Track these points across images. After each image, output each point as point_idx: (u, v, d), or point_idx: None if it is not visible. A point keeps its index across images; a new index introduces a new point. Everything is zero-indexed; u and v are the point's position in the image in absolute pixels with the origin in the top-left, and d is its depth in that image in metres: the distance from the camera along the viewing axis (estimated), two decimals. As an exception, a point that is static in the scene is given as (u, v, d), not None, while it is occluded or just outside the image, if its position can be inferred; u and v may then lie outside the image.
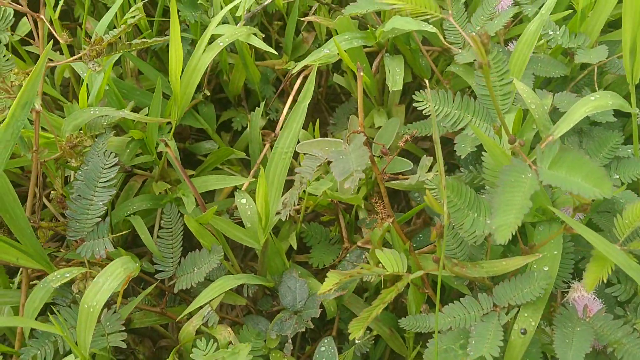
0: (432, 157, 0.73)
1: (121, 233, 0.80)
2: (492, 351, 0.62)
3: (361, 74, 0.68)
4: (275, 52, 0.84)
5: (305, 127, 1.13)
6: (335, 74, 1.03)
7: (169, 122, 0.94)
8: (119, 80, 0.96)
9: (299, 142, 0.79)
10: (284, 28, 1.02)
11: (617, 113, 0.81)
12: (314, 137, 0.88)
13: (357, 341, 0.66)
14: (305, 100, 0.73)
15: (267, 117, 1.03)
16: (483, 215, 0.67)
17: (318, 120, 0.89)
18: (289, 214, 0.72)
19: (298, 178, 0.67)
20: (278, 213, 0.73)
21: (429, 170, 0.73)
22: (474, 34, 0.52)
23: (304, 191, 0.83)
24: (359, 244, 0.86)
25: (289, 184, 0.78)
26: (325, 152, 0.77)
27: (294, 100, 1.03)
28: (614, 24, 0.96)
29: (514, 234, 0.55)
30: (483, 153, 0.72)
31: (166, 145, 0.74)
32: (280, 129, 0.75)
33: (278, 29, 1.07)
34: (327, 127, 1.09)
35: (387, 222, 0.70)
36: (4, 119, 0.64)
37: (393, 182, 0.88)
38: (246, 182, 0.84)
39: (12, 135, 0.65)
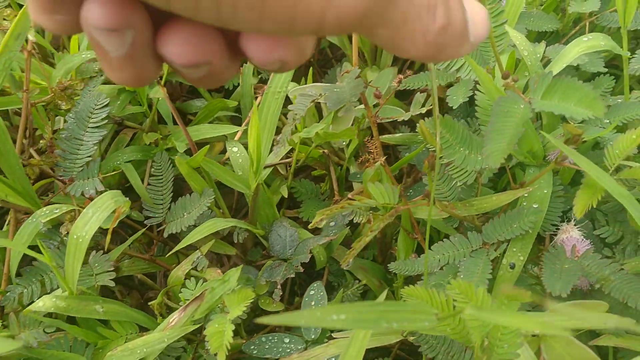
0: (425, 94, 0.73)
1: (111, 173, 0.79)
2: (481, 284, 0.62)
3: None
4: None
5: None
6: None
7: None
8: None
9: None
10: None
11: (612, 72, 0.82)
12: (306, 88, 0.88)
13: (344, 267, 0.66)
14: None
15: (259, 76, 1.03)
16: (474, 152, 0.67)
17: (311, 69, 0.89)
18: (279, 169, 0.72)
19: (291, 115, 0.67)
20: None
21: (423, 107, 0.73)
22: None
23: (296, 143, 0.83)
24: (350, 195, 0.86)
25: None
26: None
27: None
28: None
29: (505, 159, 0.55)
30: (476, 95, 0.72)
31: (158, 83, 0.74)
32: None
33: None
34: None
35: (380, 161, 0.70)
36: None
37: (384, 136, 0.88)
38: (239, 130, 0.83)
39: (5, 65, 0.64)
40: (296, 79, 1.11)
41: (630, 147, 0.60)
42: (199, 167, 0.77)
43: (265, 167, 0.88)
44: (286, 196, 0.85)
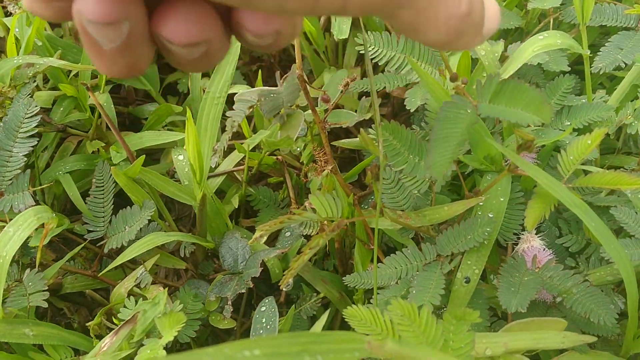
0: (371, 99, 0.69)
1: (43, 186, 0.74)
2: (433, 300, 0.58)
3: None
4: None
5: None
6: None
7: (109, 81, 0.89)
8: (54, 36, 0.91)
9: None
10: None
11: (575, 71, 0.78)
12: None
13: (283, 289, 0.62)
14: (236, 42, 0.68)
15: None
16: (424, 158, 0.63)
17: (260, 71, 0.84)
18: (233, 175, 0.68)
19: (229, 122, 0.63)
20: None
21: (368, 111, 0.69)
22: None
23: (246, 150, 0.79)
24: (307, 204, 0.82)
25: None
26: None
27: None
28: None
29: (450, 184, 0.52)
30: (427, 97, 0.68)
31: (88, 89, 0.69)
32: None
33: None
34: (279, 90, 1.05)
35: (327, 170, 0.65)
36: None
37: (340, 141, 0.84)
38: (184, 137, 0.79)
39: None
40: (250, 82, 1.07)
41: (585, 152, 0.56)
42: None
43: (219, 175, 0.84)
44: (236, 206, 0.80)
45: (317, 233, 0.71)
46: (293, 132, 0.72)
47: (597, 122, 0.68)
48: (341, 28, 0.81)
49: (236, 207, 0.80)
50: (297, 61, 0.67)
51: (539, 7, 0.77)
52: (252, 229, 0.88)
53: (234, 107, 0.63)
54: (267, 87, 0.66)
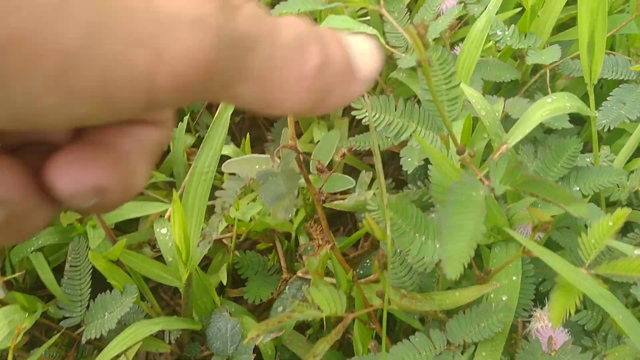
0: (371, 173, 0.64)
1: (15, 274, 0.68)
2: (448, 399, 0.53)
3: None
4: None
5: (237, 145, 1.04)
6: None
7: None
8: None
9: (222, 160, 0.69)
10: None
11: (573, 119, 0.75)
12: (245, 154, 0.79)
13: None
14: (227, 111, 0.63)
15: (197, 135, 0.93)
16: (432, 238, 0.59)
17: (248, 135, 0.79)
18: (219, 242, 0.62)
19: (219, 203, 0.57)
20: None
21: (370, 187, 0.64)
22: (410, 25, 0.43)
23: (234, 218, 0.74)
24: (299, 274, 0.77)
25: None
26: (254, 171, 0.68)
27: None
28: (563, 27, 0.90)
29: (466, 265, 0.47)
30: (430, 166, 0.63)
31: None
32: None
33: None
34: (264, 144, 1.00)
35: (325, 250, 0.60)
36: None
37: (334, 202, 0.79)
38: (168, 208, 0.73)
39: None
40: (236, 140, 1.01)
41: (608, 233, 0.52)
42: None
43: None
44: (225, 283, 0.75)
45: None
46: (285, 211, 0.66)
47: (608, 187, 0.65)
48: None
49: (224, 282, 0.74)
50: (289, 130, 0.62)
51: (537, 62, 0.74)
52: (240, 300, 0.82)
53: (224, 185, 0.58)
54: (262, 159, 0.60)
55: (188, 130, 0.93)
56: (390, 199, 0.57)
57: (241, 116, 1.04)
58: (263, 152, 1.01)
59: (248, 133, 0.78)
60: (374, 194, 0.61)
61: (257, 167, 0.67)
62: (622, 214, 0.51)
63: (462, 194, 0.52)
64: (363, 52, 0.22)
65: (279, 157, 0.63)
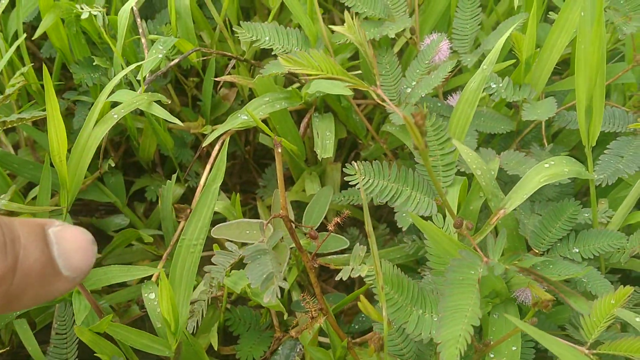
0: (366, 246, 0.62)
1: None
2: None
3: (279, 150, 0.57)
4: (180, 123, 0.72)
5: (232, 189, 1.02)
6: (261, 132, 0.92)
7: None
8: (8, 154, 0.82)
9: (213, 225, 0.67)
10: (203, 83, 0.91)
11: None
12: (235, 211, 0.77)
13: None
14: (215, 183, 0.61)
15: (186, 184, 0.91)
16: (429, 311, 0.57)
17: (238, 195, 0.77)
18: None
19: (207, 279, 0.56)
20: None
21: (365, 259, 0.62)
22: (406, 115, 0.42)
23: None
24: (292, 333, 0.75)
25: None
26: (244, 236, 0.66)
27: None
28: (558, 70, 0.89)
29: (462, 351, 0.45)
30: (425, 243, 0.62)
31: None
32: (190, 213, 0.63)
33: (196, 84, 0.96)
34: (256, 189, 0.98)
35: (319, 323, 0.59)
36: None
37: (327, 257, 0.78)
38: (155, 272, 0.71)
39: None
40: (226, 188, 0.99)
41: (610, 311, 0.50)
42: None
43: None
44: (215, 345, 0.72)
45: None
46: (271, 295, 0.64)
47: (607, 251, 0.63)
48: (324, 145, 0.75)
49: (215, 346, 0.72)
50: (281, 200, 0.60)
51: (532, 118, 0.73)
52: (232, 358, 0.80)
53: (213, 259, 0.56)
54: (253, 224, 0.59)
55: (178, 180, 0.91)
56: (385, 274, 0.55)
57: (232, 162, 1.02)
58: (254, 199, 1.00)
59: (238, 194, 0.76)
60: (367, 270, 0.59)
61: (247, 232, 0.65)
62: (624, 292, 0.50)
63: (461, 272, 0.51)
64: (73, 249, 0.23)
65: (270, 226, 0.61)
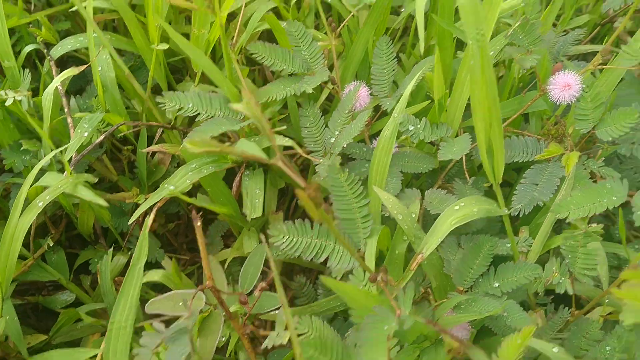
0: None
1: None
2: None
3: (198, 224, 0.59)
4: (104, 203, 0.74)
5: (179, 248, 1.03)
6: (199, 193, 0.94)
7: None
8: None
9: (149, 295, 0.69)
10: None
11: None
12: (173, 282, 0.78)
13: None
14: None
15: (129, 252, 0.92)
16: (356, 365, 0.59)
17: (174, 262, 0.79)
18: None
19: (137, 361, 0.57)
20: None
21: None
22: (299, 191, 0.44)
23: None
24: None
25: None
26: (178, 308, 0.67)
27: (152, 231, 0.94)
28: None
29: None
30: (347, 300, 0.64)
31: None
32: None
33: (132, 150, 0.97)
34: (198, 254, 0.99)
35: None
36: None
37: (267, 332, 0.79)
38: (99, 352, 0.72)
39: None
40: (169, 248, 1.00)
41: (517, 351, 0.53)
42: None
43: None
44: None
45: None
46: (212, 338, 0.66)
47: (526, 284, 0.66)
48: (254, 205, 0.77)
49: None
50: (205, 271, 0.61)
51: (449, 158, 0.76)
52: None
53: (141, 341, 0.57)
54: (187, 295, 0.60)
55: (120, 249, 0.92)
56: (309, 336, 0.57)
57: (176, 222, 1.03)
58: (199, 259, 1.01)
59: (174, 259, 0.77)
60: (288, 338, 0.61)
61: (180, 304, 0.67)
62: (527, 332, 0.52)
63: (374, 329, 0.53)
64: None
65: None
